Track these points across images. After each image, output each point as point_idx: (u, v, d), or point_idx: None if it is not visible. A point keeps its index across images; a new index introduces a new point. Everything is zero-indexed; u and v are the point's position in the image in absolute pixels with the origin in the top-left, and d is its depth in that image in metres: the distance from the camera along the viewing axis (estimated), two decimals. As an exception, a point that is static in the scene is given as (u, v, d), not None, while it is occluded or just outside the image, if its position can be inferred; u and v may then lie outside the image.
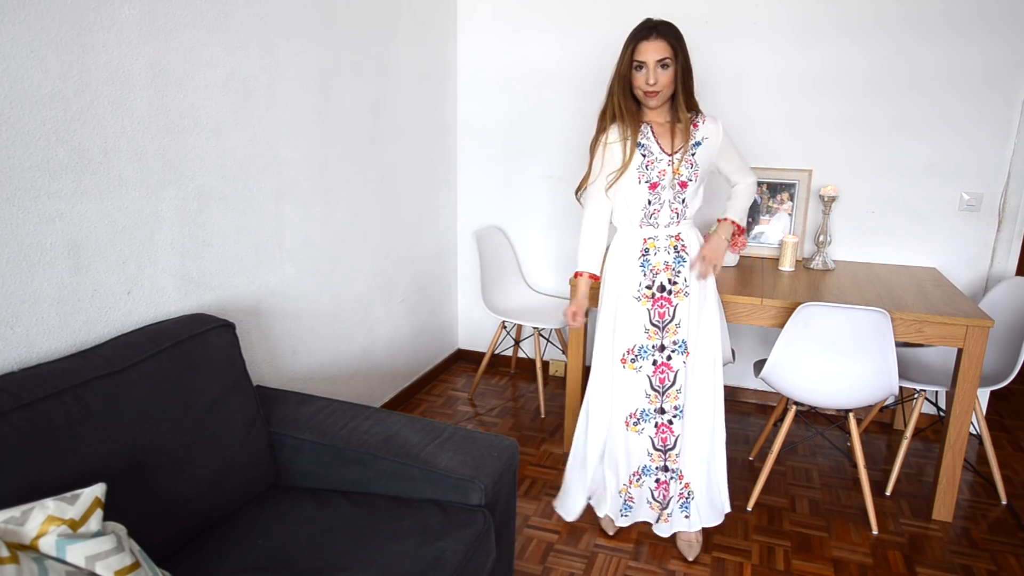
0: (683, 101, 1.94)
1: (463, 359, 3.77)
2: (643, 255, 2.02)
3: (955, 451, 2.28)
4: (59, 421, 1.27)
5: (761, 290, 2.47)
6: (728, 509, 2.17)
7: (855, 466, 2.39)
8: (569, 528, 2.27)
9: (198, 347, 1.61)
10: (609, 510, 2.20)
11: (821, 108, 2.93)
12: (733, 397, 3.35)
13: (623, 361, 2.06)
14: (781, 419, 2.80)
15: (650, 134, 1.97)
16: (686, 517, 2.13)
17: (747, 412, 3.22)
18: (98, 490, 1.08)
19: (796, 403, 2.35)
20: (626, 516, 2.18)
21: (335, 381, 2.62)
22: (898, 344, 2.66)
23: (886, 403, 3.06)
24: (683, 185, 1.96)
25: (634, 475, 2.15)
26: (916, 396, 2.58)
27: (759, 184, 3.03)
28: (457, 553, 1.45)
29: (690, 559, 2.11)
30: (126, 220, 1.67)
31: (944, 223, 2.88)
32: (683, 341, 2.04)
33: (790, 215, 3.01)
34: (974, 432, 2.92)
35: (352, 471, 1.67)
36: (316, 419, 1.77)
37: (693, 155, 1.97)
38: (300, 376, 2.40)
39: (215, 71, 1.89)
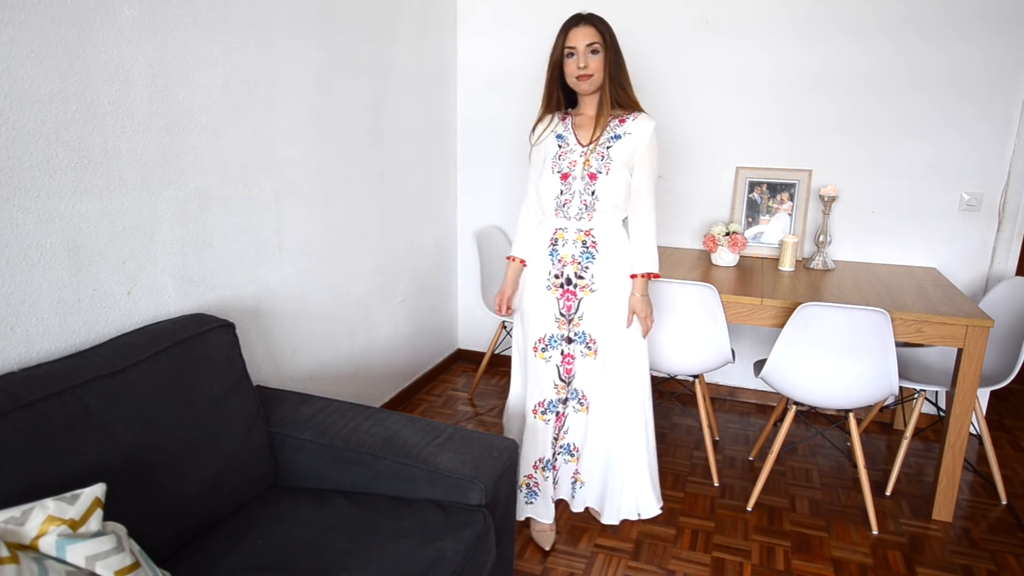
0: (608, 92, 1.96)
1: (463, 359, 3.77)
2: (552, 244, 2.04)
3: (955, 451, 2.28)
4: (59, 421, 1.27)
5: (761, 290, 2.47)
6: (655, 510, 2.25)
7: (855, 466, 2.39)
8: (569, 528, 2.27)
9: (198, 347, 1.61)
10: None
11: (821, 108, 2.93)
12: (733, 397, 3.35)
13: (535, 349, 2.09)
14: (781, 419, 2.80)
15: (570, 126, 2.02)
16: (573, 497, 2.24)
17: (747, 412, 3.22)
18: (98, 490, 1.08)
19: (796, 403, 2.35)
20: (531, 503, 2.20)
21: (335, 381, 2.62)
22: (898, 344, 2.66)
23: (886, 403, 3.06)
24: (592, 177, 1.96)
25: (539, 460, 2.16)
26: (916, 396, 2.58)
27: (759, 184, 3.03)
28: (457, 553, 1.45)
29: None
30: (126, 220, 1.67)
31: (944, 223, 2.88)
32: (584, 333, 2.06)
33: (790, 215, 3.01)
34: (974, 432, 2.92)
35: (352, 471, 1.67)
36: (316, 419, 1.77)
37: (608, 148, 1.97)
38: (300, 376, 2.40)
39: (215, 71, 1.89)
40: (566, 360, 2.08)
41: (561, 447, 2.18)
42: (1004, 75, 2.69)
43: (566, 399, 2.12)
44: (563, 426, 2.16)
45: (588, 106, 2.03)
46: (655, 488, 2.26)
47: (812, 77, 2.91)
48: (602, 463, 2.20)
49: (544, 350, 2.08)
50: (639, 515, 2.25)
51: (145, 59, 1.67)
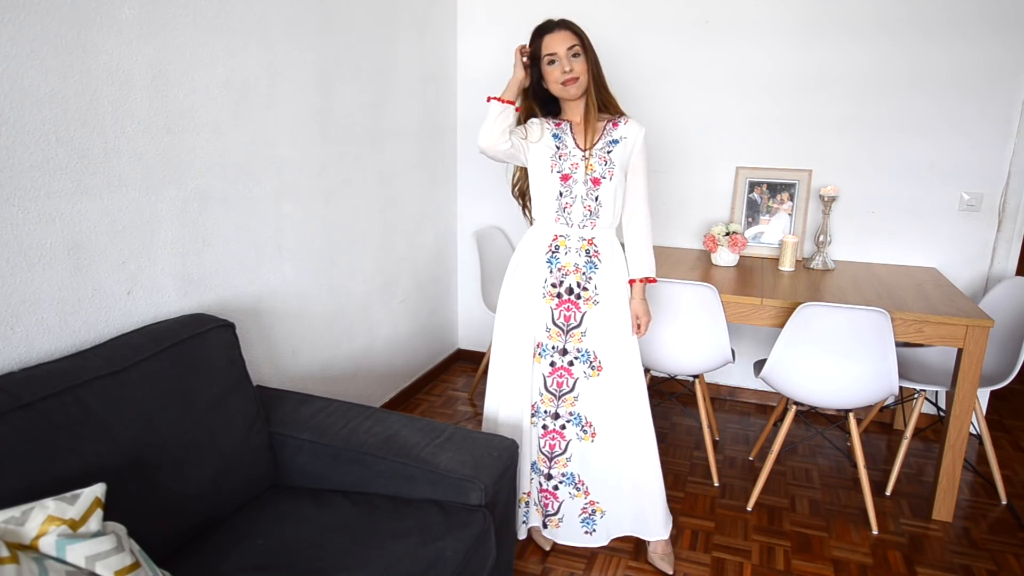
0: (595, 96, 1.90)
1: (463, 359, 3.77)
2: (551, 251, 1.96)
3: (955, 451, 2.28)
4: (59, 421, 1.27)
5: (761, 290, 2.47)
6: (670, 527, 2.11)
7: (855, 466, 2.39)
8: (569, 528, 2.26)
9: (198, 347, 1.61)
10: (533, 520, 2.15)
11: (821, 108, 2.93)
12: (733, 397, 3.35)
13: (534, 356, 2.03)
14: (781, 419, 2.80)
15: (568, 130, 1.94)
16: (587, 533, 2.10)
17: (747, 412, 3.22)
18: (98, 490, 1.08)
19: (796, 403, 2.35)
20: (524, 522, 2.12)
21: (335, 381, 2.62)
22: (898, 344, 2.66)
23: (886, 403, 3.06)
24: (596, 182, 1.91)
25: (532, 467, 2.10)
26: (916, 396, 2.58)
27: (759, 184, 3.03)
28: (457, 553, 1.45)
29: (670, 572, 2.05)
30: (126, 220, 1.67)
31: (944, 223, 2.88)
32: (589, 351, 1.98)
33: (790, 215, 3.01)
34: (974, 432, 2.92)
35: (352, 471, 1.67)
36: (316, 419, 1.77)
37: (609, 152, 1.92)
38: (300, 376, 2.40)
39: (215, 71, 1.89)
40: (556, 372, 2.00)
41: (564, 476, 2.07)
42: (1004, 75, 2.69)
43: (557, 414, 2.03)
44: (563, 451, 2.05)
45: (574, 112, 1.95)
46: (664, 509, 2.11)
47: (812, 77, 2.91)
48: (628, 486, 2.05)
49: (541, 355, 2.02)
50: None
51: (145, 59, 1.67)
